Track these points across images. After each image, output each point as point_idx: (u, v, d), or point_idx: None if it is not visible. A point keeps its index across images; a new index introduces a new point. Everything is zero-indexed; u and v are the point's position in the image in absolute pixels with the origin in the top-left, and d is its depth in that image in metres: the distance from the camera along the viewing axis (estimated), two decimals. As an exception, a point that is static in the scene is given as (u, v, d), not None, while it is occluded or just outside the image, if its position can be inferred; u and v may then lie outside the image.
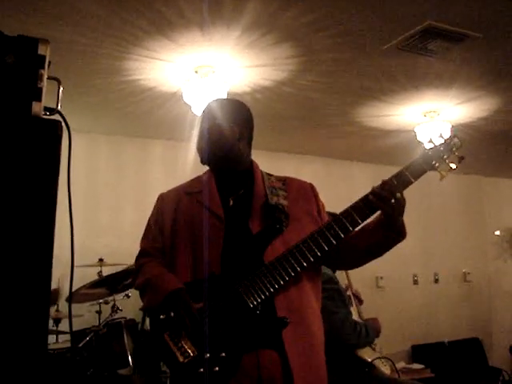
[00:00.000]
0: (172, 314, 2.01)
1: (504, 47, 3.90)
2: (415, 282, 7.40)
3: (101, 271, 4.59)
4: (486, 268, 7.95)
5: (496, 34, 3.69)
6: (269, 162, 2.35)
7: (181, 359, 1.98)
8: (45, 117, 1.61)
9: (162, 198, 2.34)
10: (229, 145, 2.21)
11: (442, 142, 2.11)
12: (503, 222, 8.35)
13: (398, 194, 1.99)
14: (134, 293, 4.56)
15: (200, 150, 2.26)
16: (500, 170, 8.06)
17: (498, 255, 8.19)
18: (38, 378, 1.37)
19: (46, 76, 1.62)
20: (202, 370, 1.95)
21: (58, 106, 1.71)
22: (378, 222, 2.07)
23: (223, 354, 1.96)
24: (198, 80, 4.17)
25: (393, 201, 1.99)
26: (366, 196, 2.04)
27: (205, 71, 4.14)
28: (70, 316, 1.81)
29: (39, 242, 1.45)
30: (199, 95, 4.19)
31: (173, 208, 2.24)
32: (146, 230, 2.32)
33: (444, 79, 4.50)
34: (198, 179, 2.33)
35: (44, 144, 1.54)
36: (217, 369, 1.94)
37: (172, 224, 2.21)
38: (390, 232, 2.05)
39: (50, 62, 1.65)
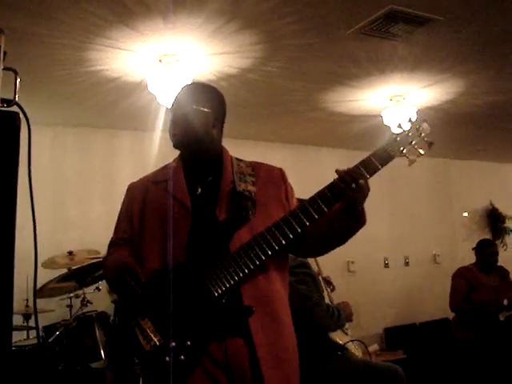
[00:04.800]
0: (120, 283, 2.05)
1: (467, 30, 3.93)
2: (386, 266, 7.47)
3: (70, 264, 4.54)
4: (455, 249, 8.04)
5: (458, 16, 3.72)
6: (236, 150, 2.33)
7: (146, 348, 1.97)
8: (2, 109, 1.58)
9: (130, 189, 2.32)
10: (203, 131, 2.17)
11: (411, 126, 2.09)
12: (471, 203, 8.47)
13: (361, 181, 1.96)
14: (104, 285, 4.54)
15: (174, 135, 2.20)
16: (466, 153, 8.14)
17: (467, 237, 8.28)
18: (4, 375, 1.36)
19: (1, 67, 1.58)
20: (167, 358, 1.95)
21: (15, 97, 1.68)
22: (340, 208, 2.04)
23: (188, 343, 1.95)
24: (163, 69, 4.13)
25: (354, 186, 1.96)
26: (331, 182, 2.02)
27: (169, 60, 4.11)
28: (35, 311, 1.79)
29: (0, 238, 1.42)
30: (164, 84, 4.15)
31: (141, 198, 2.22)
32: (116, 222, 2.30)
33: (408, 63, 4.52)
34: (165, 168, 2.30)
35: (1, 136, 1.51)
36: (182, 357, 1.94)
37: (140, 214, 2.19)
38: (349, 218, 2.03)
39: (5, 53, 1.61)
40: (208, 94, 2.27)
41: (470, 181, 8.50)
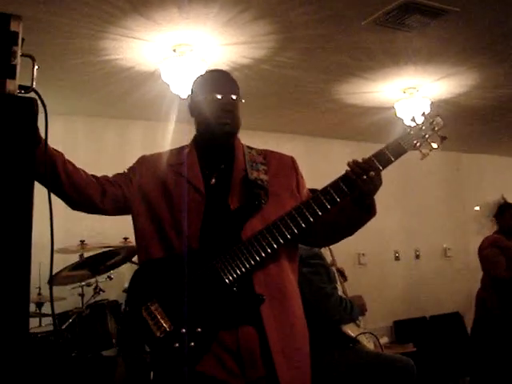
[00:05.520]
0: None
1: (482, 22, 3.90)
2: (397, 259, 7.45)
3: (82, 254, 4.56)
4: (466, 243, 8.00)
5: (474, 8, 3.69)
6: (247, 140, 2.32)
7: (157, 334, 1.98)
8: (19, 95, 1.59)
9: (143, 161, 2.30)
10: (240, 120, 2.20)
11: (424, 120, 2.09)
12: (482, 197, 8.41)
13: (372, 173, 1.98)
14: (116, 274, 4.56)
15: (225, 123, 2.14)
16: (478, 146, 8.09)
17: (478, 230, 8.23)
18: (21, 361, 1.36)
19: (19, 53, 1.58)
20: (177, 344, 1.95)
21: (33, 83, 1.68)
22: (350, 198, 2.06)
23: (199, 330, 1.96)
24: (176, 59, 4.13)
25: (364, 177, 1.98)
26: (344, 174, 2.03)
27: (183, 50, 4.10)
28: (51, 298, 1.80)
29: (17, 224, 1.43)
30: (178, 74, 4.15)
31: (152, 175, 2.21)
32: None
33: (423, 55, 4.50)
34: (180, 151, 2.29)
35: (20, 122, 1.51)
36: (192, 344, 1.95)
37: (147, 190, 2.19)
38: (359, 209, 2.05)
39: (23, 39, 1.62)
40: (235, 81, 2.26)
41: (481, 175, 8.46)
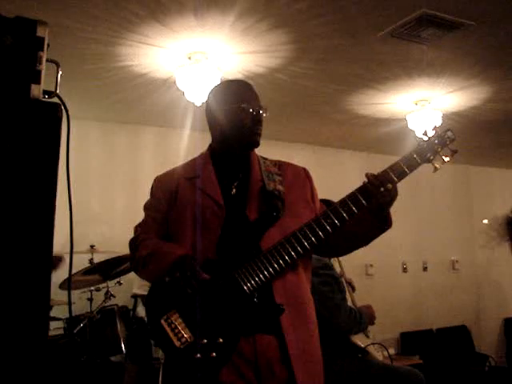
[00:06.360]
0: (178, 274, 1.97)
1: (496, 36, 3.91)
2: (404, 270, 7.44)
3: (92, 258, 4.57)
4: (474, 256, 8.01)
5: (489, 22, 3.71)
6: (259, 149, 2.33)
7: (177, 344, 1.98)
8: (43, 100, 1.60)
9: (158, 182, 2.30)
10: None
11: (435, 134, 2.11)
12: (491, 210, 8.41)
13: (389, 185, 2.00)
14: (125, 280, 4.56)
15: (259, 134, 2.21)
16: (488, 159, 8.09)
17: (486, 244, 8.25)
18: (39, 365, 1.37)
19: (44, 58, 1.60)
20: (198, 355, 1.95)
21: (56, 89, 1.69)
22: (367, 210, 2.07)
23: (220, 340, 1.96)
24: (191, 66, 4.15)
25: (382, 189, 2.00)
26: (362, 185, 2.05)
27: (198, 57, 4.12)
28: (69, 302, 1.81)
29: (39, 230, 1.44)
30: (192, 81, 4.17)
31: (170, 192, 2.21)
32: (145, 214, 2.29)
33: (436, 67, 4.51)
34: (194, 163, 2.29)
35: (44, 127, 1.52)
36: (214, 354, 1.95)
37: (168, 207, 2.19)
38: (376, 221, 2.08)
39: (48, 45, 1.63)
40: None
41: (490, 188, 8.44)
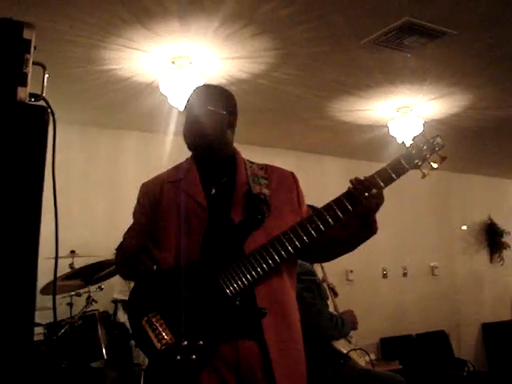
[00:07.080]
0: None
1: (478, 45, 3.98)
2: (384, 276, 7.48)
3: (73, 263, 4.53)
4: (452, 262, 8.08)
5: (471, 31, 3.76)
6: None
7: (158, 346, 1.97)
8: (30, 103, 1.59)
9: (144, 188, 2.32)
10: (219, 132, 2.20)
11: (424, 140, 2.11)
12: (470, 217, 8.50)
13: (374, 190, 2.00)
14: (106, 285, 4.53)
15: (189, 135, 2.22)
16: (468, 166, 8.17)
17: (465, 250, 8.34)
18: (25, 371, 1.36)
19: (31, 61, 1.59)
20: (178, 357, 1.95)
21: (43, 92, 1.69)
22: (352, 215, 2.07)
23: (201, 342, 1.95)
24: (175, 71, 4.14)
25: (366, 194, 2.00)
26: (347, 190, 2.05)
27: (182, 62, 4.12)
28: (54, 307, 1.78)
29: (25, 234, 1.43)
30: (176, 86, 4.16)
31: (155, 196, 2.23)
32: (134, 218, 2.33)
33: (418, 75, 4.55)
34: (178, 167, 2.30)
35: (31, 130, 1.52)
36: (194, 357, 1.94)
37: (154, 211, 2.21)
38: (361, 226, 2.08)
39: (35, 47, 1.62)
40: (223, 95, 2.29)
41: (469, 194, 8.53)
